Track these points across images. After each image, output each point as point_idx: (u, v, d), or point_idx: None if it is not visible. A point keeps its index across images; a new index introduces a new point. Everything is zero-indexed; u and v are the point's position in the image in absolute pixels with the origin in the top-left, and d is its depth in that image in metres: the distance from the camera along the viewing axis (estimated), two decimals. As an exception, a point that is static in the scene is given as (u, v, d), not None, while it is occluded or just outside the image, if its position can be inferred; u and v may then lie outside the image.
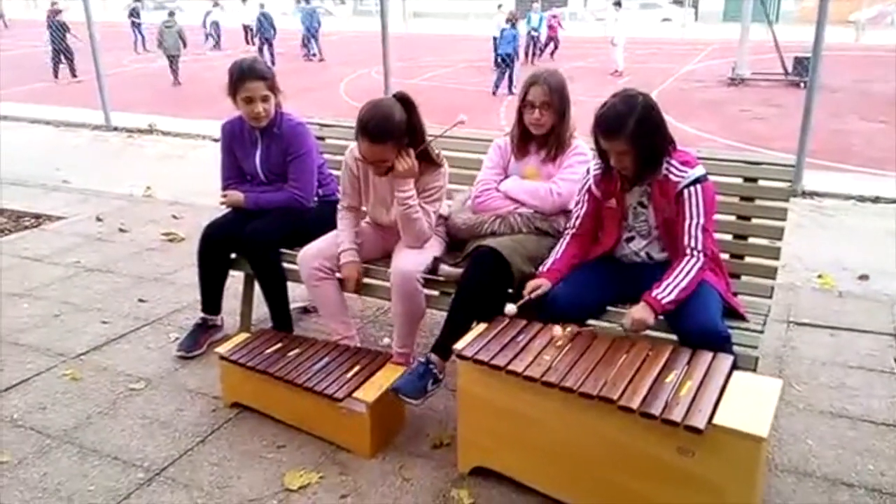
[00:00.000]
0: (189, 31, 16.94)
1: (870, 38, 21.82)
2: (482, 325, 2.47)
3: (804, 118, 5.71)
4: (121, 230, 4.91)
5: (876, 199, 5.47)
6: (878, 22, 24.14)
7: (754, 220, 2.84)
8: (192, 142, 8.02)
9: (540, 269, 2.61)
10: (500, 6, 18.71)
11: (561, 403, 2.17)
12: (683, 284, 2.40)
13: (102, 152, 7.82)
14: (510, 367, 2.22)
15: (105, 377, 3.06)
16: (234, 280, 3.36)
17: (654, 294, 2.40)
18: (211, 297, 3.26)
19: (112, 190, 5.93)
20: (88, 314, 3.64)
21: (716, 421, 1.96)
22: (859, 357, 3.23)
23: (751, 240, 2.84)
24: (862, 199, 5.51)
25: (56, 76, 15.69)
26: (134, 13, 21.86)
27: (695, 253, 2.44)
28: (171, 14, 16.28)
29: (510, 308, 2.46)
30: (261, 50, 18.92)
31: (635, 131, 2.37)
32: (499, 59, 15.08)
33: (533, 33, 18.86)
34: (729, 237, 2.83)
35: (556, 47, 20.58)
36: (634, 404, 2.02)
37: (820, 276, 4.14)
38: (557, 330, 2.35)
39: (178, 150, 7.72)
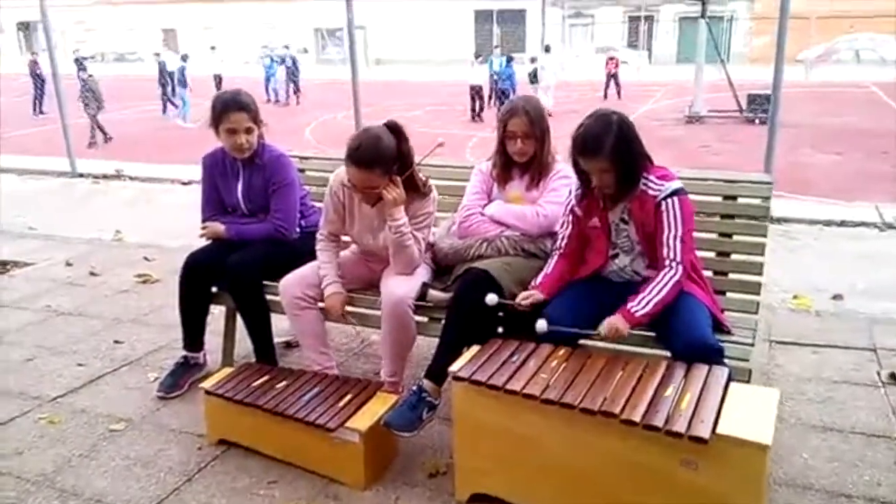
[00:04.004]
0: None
1: (818, 75, 22.66)
2: (475, 348, 2.45)
3: (768, 147, 5.87)
4: (92, 274, 4.79)
5: (842, 223, 5.63)
6: (825, 59, 25.11)
7: (736, 238, 2.88)
8: (161, 186, 7.93)
9: (531, 283, 2.62)
10: (496, 46, 19.49)
11: (561, 421, 2.15)
12: (658, 298, 2.43)
13: (69, 198, 7.68)
14: (508, 386, 2.19)
15: (83, 419, 2.95)
16: (215, 318, 3.30)
17: (628, 306, 2.43)
18: (193, 333, 3.19)
19: (80, 235, 5.81)
20: (63, 357, 3.52)
21: (719, 430, 1.96)
22: (843, 372, 3.27)
23: (733, 256, 2.88)
24: (828, 223, 5.66)
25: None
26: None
27: (673, 265, 2.47)
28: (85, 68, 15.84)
29: (491, 297, 2.48)
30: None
31: (614, 149, 2.41)
32: (499, 93, 15.91)
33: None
34: (712, 255, 2.87)
35: (619, 87, 19.99)
36: (637, 417, 2.01)
37: (795, 297, 4.21)
38: (542, 323, 2.38)
39: (147, 195, 7.62)
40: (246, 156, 3.09)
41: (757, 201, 2.87)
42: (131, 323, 3.95)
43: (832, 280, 4.50)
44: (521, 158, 2.90)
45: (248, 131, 3.04)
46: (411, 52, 35.47)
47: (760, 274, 2.82)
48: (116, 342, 3.69)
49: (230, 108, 3.01)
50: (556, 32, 33.40)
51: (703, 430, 1.95)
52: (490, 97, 17.82)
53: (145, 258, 5.04)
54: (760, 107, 14.50)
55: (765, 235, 2.83)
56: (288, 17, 35.21)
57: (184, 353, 3.21)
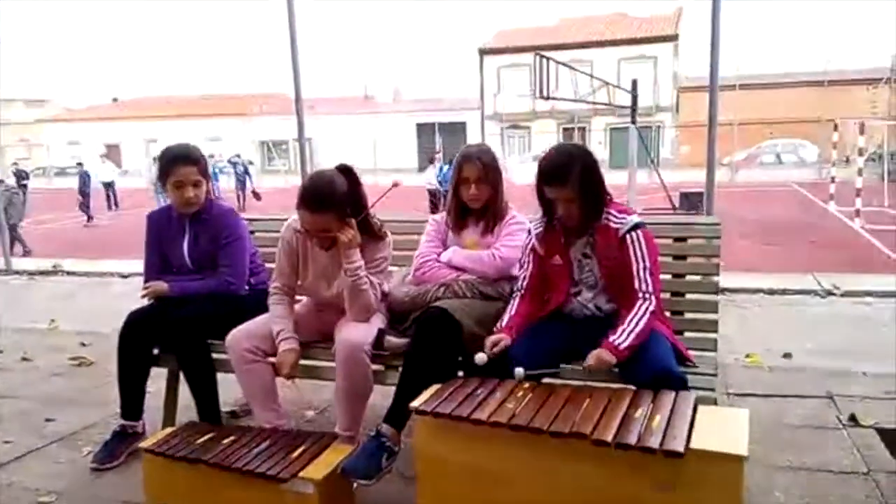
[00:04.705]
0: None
1: (742, 176, 23.90)
2: (436, 386, 2.35)
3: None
4: (24, 359, 4.50)
5: (783, 291, 5.77)
6: (749, 163, 26.64)
7: (688, 277, 2.91)
8: (100, 279, 7.66)
9: (497, 325, 2.55)
10: (437, 152, 20.37)
11: (530, 452, 2.05)
12: (638, 329, 2.40)
13: (1, 294, 7.33)
14: (474, 416, 2.10)
15: (10, 494, 2.69)
16: (153, 396, 3.12)
17: (611, 340, 2.38)
18: (131, 399, 2.98)
19: (12, 325, 5.51)
20: (-13, 436, 3.25)
21: (693, 446, 1.90)
22: (803, 418, 3.25)
23: (688, 296, 2.90)
24: (771, 291, 5.80)
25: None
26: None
27: (646, 296, 2.46)
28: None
29: (481, 356, 2.38)
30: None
31: (580, 176, 2.44)
32: (443, 195, 16.34)
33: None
34: (667, 295, 2.87)
35: None
36: (608, 437, 1.94)
37: (748, 356, 4.22)
38: (519, 370, 2.28)
39: (85, 288, 7.32)
40: (193, 210, 3.02)
41: (706, 241, 2.92)
42: (64, 402, 3.69)
43: (781, 341, 4.55)
44: (474, 204, 2.90)
45: (196, 185, 2.98)
46: (356, 162, 36.04)
47: (716, 311, 2.83)
48: (48, 420, 3.43)
49: (178, 161, 2.96)
50: (495, 142, 34.66)
51: (678, 445, 1.88)
52: (436, 199, 18.15)
53: (81, 343, 4.78)
54: (693, 203, 15.14)
55: (717, 274, 2.87)
56: (232, 132, 35.78)
57: (121, 422, 2.99)
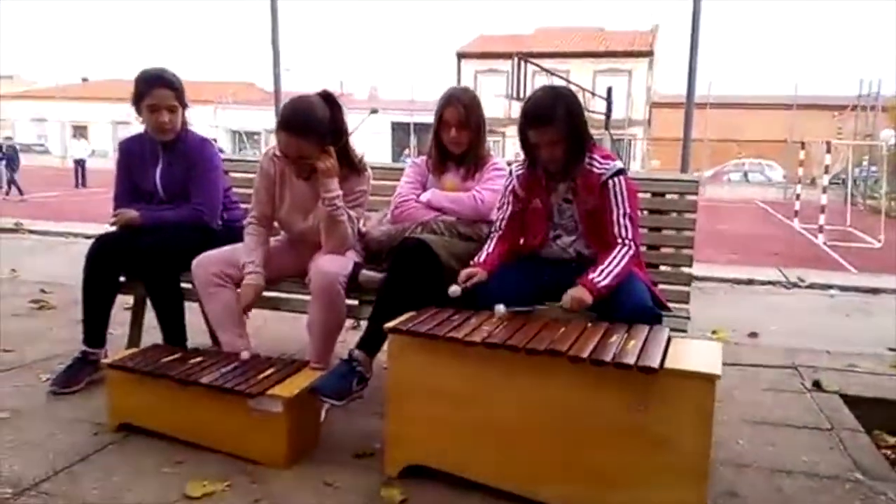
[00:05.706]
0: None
1: (710, 192, 24.28)
2: (411, 313, 2.33)
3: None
4: (-21, 302, 4.39)
5: (750, 282, 5.87)
6: (717, 179, 27.13)
7: (665, 232, 2.94)
8: (63, 239, 7.50)
9: (473, 261, 2.53)
10: (406, 152, 20.38)
11: (505, 371, 2.04)
12: (617, 270, 2.39)
13: (-44, 251, 7.13)
14: (450, 335, 2.08)
15: (-38, 410, 2.60)
16: (116, 336, 3.05)
17: (589, 277, 2.37)
18: (95, 325, 2.90)
19: (-32, 275, 5.36)
20: (-59, 364, 3.14)
21: (667, 365, 1.90)
22: (767, 382, 3.30)
23: (664, 250, 2.92)
24: (738, 281, 5.89)
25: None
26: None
27: (626, 242, 2.45)
28: None
29: (455, 289, 2.35)
30: None
31: (566, 118, 2.41)
32: None
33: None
34: (643, 248, 2.89)
35: None
36: (584, 353, 1.93)
37: (714, 332, 4.28)
38: (500, 307, 2.26)
39: (48, 245, 7.17)
40: (168, 137, 2.95)
41: (684, 197, 2.95)
42: (24, 338, 3.58)
43: (747, 323, 4.63)
44: (456, 149, 2.89)
45: (172, 110, 2.91)
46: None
47: (690, 265, 2.87)
48: (6, 350, 3.33)
49: (154, 84, 2.89)
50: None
51: (653, 362, 1.89)
52: None
53: (42, 290, 4.66)
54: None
55: (692, 229, 2.90)
56: (203, 119, 35.38)
57: (83, 348, 2.91)
